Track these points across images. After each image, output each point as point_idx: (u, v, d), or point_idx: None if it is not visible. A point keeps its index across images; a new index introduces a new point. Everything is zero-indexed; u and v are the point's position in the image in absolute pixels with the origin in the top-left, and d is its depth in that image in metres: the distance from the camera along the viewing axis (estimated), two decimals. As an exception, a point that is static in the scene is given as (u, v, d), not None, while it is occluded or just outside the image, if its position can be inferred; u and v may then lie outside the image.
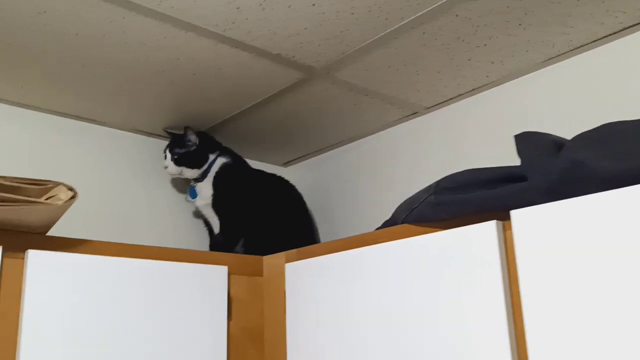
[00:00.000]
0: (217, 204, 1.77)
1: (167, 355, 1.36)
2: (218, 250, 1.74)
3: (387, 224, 1.36)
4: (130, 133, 1.84)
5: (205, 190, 1.77)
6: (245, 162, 1.86)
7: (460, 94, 1.64)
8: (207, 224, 1.86)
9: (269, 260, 1.59)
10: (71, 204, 1.19)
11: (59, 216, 1.22)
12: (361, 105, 1.69)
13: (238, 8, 1.22)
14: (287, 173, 2.10)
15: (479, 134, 1.64)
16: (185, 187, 1.89)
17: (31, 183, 1.16)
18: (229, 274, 1.51)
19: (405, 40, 1.35)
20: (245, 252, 1.70)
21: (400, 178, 1.81)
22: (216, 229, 1.82)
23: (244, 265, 1.56)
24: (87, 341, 1.25)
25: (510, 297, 1.05)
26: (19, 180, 1.15)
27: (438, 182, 1.16)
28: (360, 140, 1.94)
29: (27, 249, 1.22)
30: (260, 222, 1.77)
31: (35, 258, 1.22)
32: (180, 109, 1.70)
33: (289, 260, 1.52)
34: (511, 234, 1.07)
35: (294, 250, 1.53)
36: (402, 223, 1.26)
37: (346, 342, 1.32)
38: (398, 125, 1.82)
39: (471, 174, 1.13)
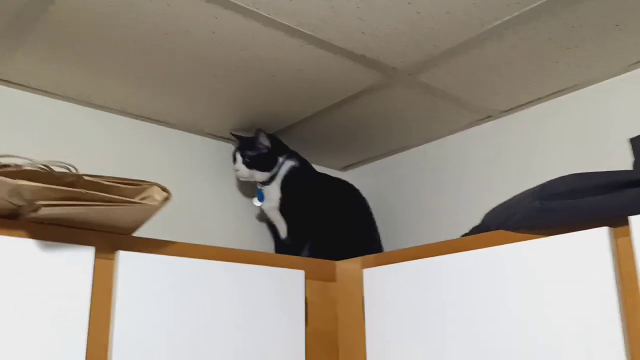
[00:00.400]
0: (285, 207, 1.75)
1: (248, 357, 1.33)
2: (285, 254, 1.71)
3: (476, 230, 1.33)
4: (197, 136, 1.83)
5: (273, 193, 1.75)
6: (311, 165, 1.84)
7: (539, 98, 1.61)
8: (272, 227, 1.84)
9: (342, 265, 1.56)
10: (165, 205, 1.17)
11: (151, 217, 1.20)
12: (435, 109, 1.66)
13: (333, 7, 1.20)
14: (346, 177, 2.07)
15: (555, 139, 1.60)
16: (252, 190, 1.87)
17: (127, 183, 1.15)
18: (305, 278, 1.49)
19: (496, 42, 1.33)
20: (311, 256, 1.67)
21: (468, 184, 1.78)
22: (282, 232, 1.80)
23: (318, 269, 1.54)
24: (174, 341, 1.23)
25: (624, 309, 1.02)
26: (115, 180, 1.13)
27: (542, 187, 1.13)
28: (426, 145, 1.91)
29: (117, 250, 1.21)
30: (327, 226, 1.75)
31: (126, 259, 1.21)
32: (250, 111, 1.69)
33: (366, 266, 1.49)
34: (624, 241, 1.03)
35: (371, 256, 1.50)
36: (497, 229, 1.23)
37: (430, 353, 1.29)
38: (469, 130, 1.79)
39: (579, 179, 1.10)
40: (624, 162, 1.43)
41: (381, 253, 1.49)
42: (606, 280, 1.03)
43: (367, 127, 1.79)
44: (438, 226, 1.84)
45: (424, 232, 1.87)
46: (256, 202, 1.79)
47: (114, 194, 1.11)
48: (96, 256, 1.18)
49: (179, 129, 1.78)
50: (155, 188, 1.18)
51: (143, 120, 1.72)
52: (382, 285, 1.43)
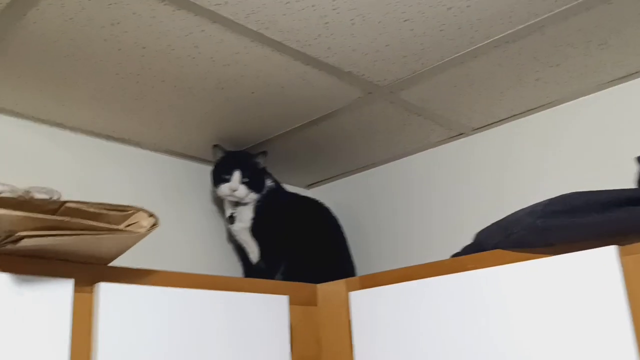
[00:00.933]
0: (257, 228, 1.68)
1: (235, 393, 1.26)
2: (256, 278, 1.64)
3: (469, 249, 1.31)
4: (162, 155, 1.73)
5: (246, 213, 1.68)
6: (281, 185, 1.78)
7: (514, 115, 1.62)
8: (241, 250, 1.76)
9: (324, 288, 1.51)
10: (151, 232, 1.09)
11: (133, 245, 1.11)
12: (409, 125, 1.64)
13: (327, 23, 1.16)
14: (310, 195, 2.02)
15: (526, 156, 1.62)
16: (213, 212, 1.79)
17: (112, 209, 1.05)
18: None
19: (483, 59, 1.32)
20: (285, 280, 1.61)
21: (438, 202, 1.77)
22: (252, 255, 1.72)
23: (299, 294, 1.48)
24: (162, 382, 1.14)
25: (636, 331, 1.01)
26: (101, 207, 1.04)
27: (545, 206, 1.12)
28: (394, 161, 1.89)
29: (97, 282, 1.11)
30: (301, 248, 1.69)
31: (107, 291, 1.11)
32: (222, 129, 1.61)
33: (352, 289, 1.44)
34: (631, 259, 1.03)
35: (356, 278, 1.46)
36: (494, 248, 1.21)
37: (426, 373, 1.26)
38: (439, 147, 1.78)
39: (581, 197, 1.10)
40: (600, 180, 1.45)
41: (367, 275, 1.44)
42: (616, 301, 1.03)
43: (337, 144, 1.75)
44: (409, 245, 1.82)
45: (395, 252, 1.84)
46: (227, 224, 1.71)
47: (99, 222, 1.02)
48: (75, 289, 1.08)
49: (146, 148, 1.69)
50: (142, 213, 1.09)
51: (107, 139, 1.62)
52: (370, 309, 1.39)
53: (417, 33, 1.21)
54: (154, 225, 1.09)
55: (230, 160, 1.66)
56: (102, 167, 1.60)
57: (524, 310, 1.13)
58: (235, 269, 1.80)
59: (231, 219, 1.68)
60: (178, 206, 1.73)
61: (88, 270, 1.11)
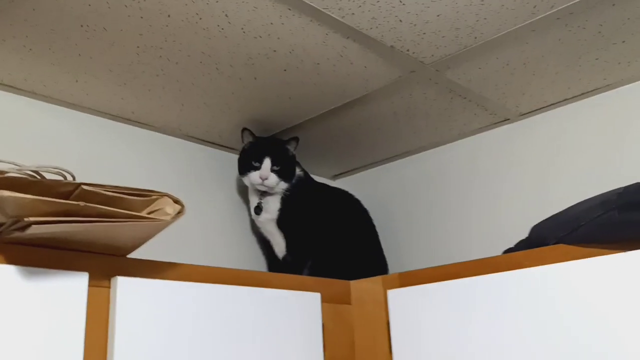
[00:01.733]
0: (285, 220, 1.55)
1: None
2: (282, 273, 1.52)
3: (524, 245, 1.18)
4: (183, 140, 1.61)
5: (273, 204, 1.55)
6: (310, 175, 1.66)
7: (566, 99, 1.48)
8: (265, 243, 1.64)
9: (358, 286, 1.38)
10: (177, 220, 0.97)
11: (156, 234, 0.99)
12: (451, 110, 1.51)
13: (374, -13, 1.03)
14: (336, 186, 1.89)
15: (580, 144, 1.48)
16: (238, 202, 1.67)
17: (133, 194, 0.93)
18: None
19: (542, 34, 1.19)
20: (312, 276, 1.49)
21: (479, 193, 1.64)
22: (277, 249, 1.60)
23: (332, 291, 1.35)
24: (186, 388, 1.02)
25: None
26: (119, 190, 0.92)
27: (618, 196, 0.99)
28: (429, 150, 1.76)
29: (113, 275, 0.99)
30: (330, 242, 1.57)
31: (124, 286, 0.99)
32: (248, 112, 1.49)
33: (390, 287, 1.32)
34: None
35: (394, 275, 1.33)
36: (557, 243, 1.08)
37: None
38: (482, 134, 1.65)
39: (664, 186, 0.97)
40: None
41: (406, 272, 1.31)
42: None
43: (370, 130, 1.62)
44: (446, 241, 1.68)
45: (430, 248, 1.71)
46: (253, 215, 1.58)
47: (119, 208, 0.89)
48: (90, 283, 0.96)
49: (166, 132, 1.57)
50: (166, 199, 0.97)
51: (124, 122, 1.50)
52: (412, 309, 1.26)
53: (474, 1, 1.08)
54: (179, 213, 0.96)
55: (261, 146, 1.54)
56: (118, 151, 1.48)
57: (593, 311, 1.00)
58: (259, 263, 1.68)
59: (257, 210, 1.56)
60: (198, 196, 1.61)
61: (104, 263, 0.99)
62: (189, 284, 1.09)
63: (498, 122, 1.60)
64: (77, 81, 1.30)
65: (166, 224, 0.95)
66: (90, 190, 0.88)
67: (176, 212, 0.96)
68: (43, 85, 1.31)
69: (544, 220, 1.17)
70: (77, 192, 0.87)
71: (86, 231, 0.87)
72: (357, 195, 1.71)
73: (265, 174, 1.49)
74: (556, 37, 1.20)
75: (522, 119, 1.58)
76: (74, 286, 0.94)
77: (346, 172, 1.92)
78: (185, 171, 1.60)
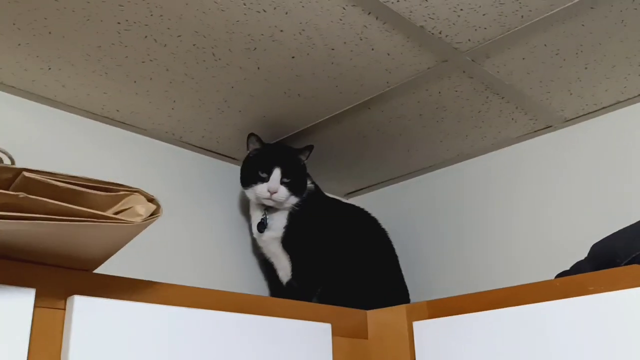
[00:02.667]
0: (292, 239, 1.34)
1: None
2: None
3: (585, 267, 0.96)
4: (173, 146, 1.40)
5: (278, 221, 1.34)
6: (321, 189, 1.45)
7: (619, 101, 1.27)
8: (268, 265, 1.42)
9: (378, 316, 1.16)
10: (151, 223, 0.76)
11: (129, 240, 0.78)
12: (485, 112, 1.31)
13: (403, -56, 0.83)
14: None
15: (631, 152, 1.27)
16: (237, 218, 1.46)
17: (95, 187, 0.72)
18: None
19: (603, 10, 0.99)
20: (321, 303, 1.26)
21: (517, 212, 1.42)
22: (281, 272, 1.38)
23: (346, 322, 1.13)
24: None
25: None
26: (77, 181, 0.71)
27: None
28: (457, 164, 1.54)
29: (70, 295, 0.78)
30: (343, 266, 1.35)
31: (83, 307, 0.78)
32: (249, 112, 1.29)
33: (416, 318, 1.10)
34: None
35: (421, 303, 1.11)
36: (631, 263, 0.86)
37: None
38: (521, 143, 1.43)
39: None
40: None
41: (435, 300, 1.09)
42: None
43: (390, 137, 1.41)
44: (479, 266, 1.45)
45: (459, 274, 1.48)
46: (256, 233, 1.37)
47: (75, 204, 0.69)
48: (37, 303, 0.75)
49: (154, 137, 1.37)
50: (138, 196, 0.76)
51: (105, 122, 1.30)
52: (442, 345, 1.04)
53: (523, -34, 0.88)
54: (154, 214, 0.75)
55: (269, 154, 1.33)
56: (100, 158, 1.28)
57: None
58: (260, 289, 1.46)
59: (261, 226, 1.34)
60: (192, 210, 1.40)
61: (58, 277, 0.78)
62: (170, 308, 0.87)
63: (538, 130, 1.38)
64: (49, 69, 1.11)
65: (137, 227, 0.74)
66: (36, 179, 0.67)
67: (149, 212, 0.75)
68: (11, 74, 1.12)
69: (609, 237, 0.95)
70: (17, 180, 0.66)
71: (30, 233, 0.67)
72: (375, 214, 1.49)
73: (274, 187, 1.28)
74: (619, 16, 1.00)
75: (566, 126, 1.36)
76: (15, 306, 0.73)
77: (362, 188, 1.70)
78: (178, 182, 1.40)
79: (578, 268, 0.97)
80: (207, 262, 1.39)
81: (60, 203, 0.67)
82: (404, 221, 1.61)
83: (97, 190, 0.72)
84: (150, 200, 0.76)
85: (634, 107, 1.28)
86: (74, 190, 0.70)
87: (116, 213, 0.73)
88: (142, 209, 0.74)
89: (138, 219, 0.73)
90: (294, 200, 1.32)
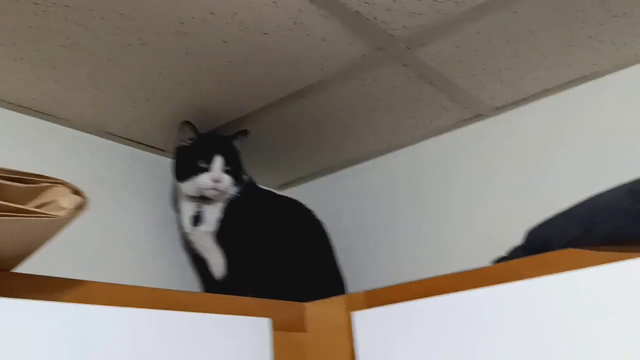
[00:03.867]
0: (225, 233, 1.29)
1: None
2: (222, 296, 1.25)
3: (521, 252, 0.97)
4: (94, 137, 1.33)
5: (211, 214, 1.29)
6: (254, 181, 1.41)
7: (546, 89, 1.30)
8: (200, 261, 1.37)
9: (316, 308, 1.14)
10: (77, 217, 0.70)
11: (51, 238, 0.72)
12: (418, 102, 1.30)
13: None
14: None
15: (563, 138, 1.30)
16: (165, 208, 1.40)
17: (12, 178, 0.66)
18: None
19: (533, 0, 1.00)
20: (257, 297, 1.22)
21: (450, 198, 1.43)
22: (215, 267, 1.34)
23: (283, 315, 1.10)
24: None
25: None
26: (-9, 171, 0.65)
27: (650, 183, 0.79)
28: (390, 153, 1.54)
29: (-14, 297, 0.71)
30: (279, 259, 1.32)
31: (5, 310, 0.71)
32: (175, 101, 1.23)
33: (354, 308, 1.08)
34: None
35: (359, 294, 1.09)
36: (566, 247, 0.87)
37: None
38: (452, 132, 1.44)
39: None
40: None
41: (374, 289, 1.08)
42: None
43: (323, 127, 1.39)
44: (415, 255, 1.45)
45: (394, 265, 1.48)
46: (188, 227, 1.31)
47: (-12, 196, 0.62)
48: (-51, 308, 0.68)
49: (74, 127, 1.28)
50: (61, 189, 0.70)
51: (23, 112, 1.21)
52: (382, 335, 1.02)
53: (461, -51, 0.87)
54: (80, 207, 0.70)
55: (206, 142, 1.29)
56: (15, 150, 1.19)
57: (615, 328, 0.79)
58: (192, 287, 1.41)
59: (196, 220, 1.29)
60: (114, 205, 1.33)
61: (-27, 278, 0.71)
62: (94, 308, 0.81)
63: (469, 118, 1.40)
64: (-43, 53, 1.02)
65: (61, 221, 0.68)
66: (-56, 169, 0.60)
67: (75, 205, 0.69)
68: None
69: (543, 222, 0.96)
70: None
71: None
72: (308, 206, 1.47)
73: (218, 176, 1.24)
74: (551, 4, 1.01)
75: (496, 114, 1.38)
76: None
77: (295, 180, 1.68)
78: (101, 175, 1.33)
79: (514, 254, 0.98)
80: (132, 260, 1.32)
81: (-28, 196, 0.61)
82: (338, 213, 1.59)
83: (15, 181, 0.66)
84: (76, 192, 0.70)
85: (561, 95, 1.31)
86: (-11, 181, 0.64)
87: (37, 207, 0.67)
88: (67, 201, 0.69)
89: (62, 213, 0.67)
90: (234, 189, 1.28)
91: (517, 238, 1.03)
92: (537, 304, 0.87)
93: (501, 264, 0.96)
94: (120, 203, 1.34)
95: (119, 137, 1.34)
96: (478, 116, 1.39)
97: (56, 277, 0.79)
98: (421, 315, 0.98)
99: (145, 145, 1.39)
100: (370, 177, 1.56)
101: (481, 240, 1.32)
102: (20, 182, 0.66)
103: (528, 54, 1.16)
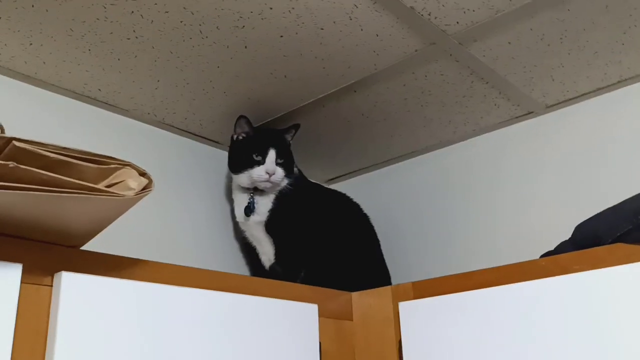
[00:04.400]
0: (276, 223, 1.33)
1: None
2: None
3: (569, 246, 0.97)
4: (154, 128, 1.38)
5: (263, 204, 1.33)
6: (303, 174, 1.44)
7: (599, 89, 1.29)
8: (250, 249, 1.41)
9: (363, 298, 1.16)
10: (143, 197, 0.74)
11: (119, 215, 0.77)
12: (470, 98, 1.32)
13: None
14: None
15: (610, 138, 1.29)
16: (219, 198, 1.45)
17: (85, 159, 0.71)
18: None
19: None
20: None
21: (500, 194, 1.43)
22: (264, 257, 1.38)
23: (330, 303, 1.13)
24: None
25: None
26: (67, 153, 0.69)
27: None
28: (438, 150, 1.55)
29: (57, 271, 0.76)
30: (327, 250, 1.35)
31: (71, 284, 0.76)
32: (233, 94, 1.28)
33: (401, 298, 1.10)
34: None
35: (407, 284, 1.12)
36: (616, 242, 0.88)
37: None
38: (503, 129, 1.44)
39: None
40: None
41: (423, 280, 1.10)
42: None
43: (373, 122, 1.41)
44: (462, 250, 1.46)
45: (444, 258, 1.49)
46: (241, 217, 1.36)
47: (66, 175, 0.67)
48: (24, 279, 0.73)
49: (136, 118, 1.34)
50: (129, 170, 0.75)
51: (89, 102, 1.27)
52: (429, 325, 1.04)
53: (516, -54, 0.89)
54: (146, 188, 0.74)
55: (261, 136, 1.33)
56: (80, 139, 1.25)
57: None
58: (241, 274, 1.45)
59: (248, 210, 1.33)
60: (171, 194, 1.38)
61: (46, 253, 0.76)
62: (158, 286, 0.86)
63: (520, 116, 1.40)
64: (31, 44, 1.08)
65: (128, 201, 0.73)
66: (26, 149, 0.65)
67: (142, 187, 0.73)
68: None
69: (592, 218, 0.97)
70: (7, 149, 0.65)
71: (16, 203, 0.65)
72: (357, 200, 1.49)
73: (271, 168, 1.28)
74: (603, 2, 1.01)
75: (548, 112, 1.38)
76: (2, 282, 0.71)
77: (343, 175, 1.70)
78: (159, 165, 1.38)
79: (562, 248, 0.99)
80: (187, 249, 1.37)
81: (52, 174, 0.65)
82: (385, 208, 1.61)
83: (89, 162, 0.71)
84: (142, 174, 0.75)
85: (612, 95, 1.30)
86: (65, 161, 0.68)
87: (108, 187, 0.72)
88: (134, 182, 0.73)
89: (130, 193, 0.72)
90: (286, 181, 1.32)
91: (566, 234, 1.03)
92: (588, 297, 0.87)
93: (550, 257, 0.96)
94: (174, 193, 1.38)
95: (177, 128, 1.39)
96: (529, 113, 1.39)
97: (123, 257, 0.84)
98: (468, 307, 1.00)
99: (202, 137, 1.44)
100: (420, 173, 1.57)
101: (530, 236, 1.32)
102: (93, 163, 0.71)
103: (580, 52, 1.16)
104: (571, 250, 0.95)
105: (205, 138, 1.45)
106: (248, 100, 1.30)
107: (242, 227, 1.39)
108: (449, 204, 1.50)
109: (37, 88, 1.20)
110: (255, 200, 1.33)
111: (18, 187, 0.63)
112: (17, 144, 0.65)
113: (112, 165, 0.73)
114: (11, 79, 1.17)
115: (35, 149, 0.66)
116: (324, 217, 1.39)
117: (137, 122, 1.35)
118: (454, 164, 1.51)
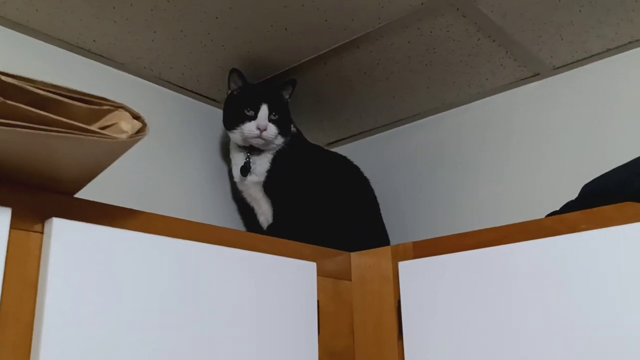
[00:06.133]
0: (274, 183, 1.30)
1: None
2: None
3: (576, 206, 0.95)
4: (150, 83, 1.34)
5: (261, 164, 1.30)
6: (302, 134, 1.41)
7: (609, 49, 1.26)
8: (247, 210, 1.39)
9: (361, 258, 1.14)
10: (136, 141, 0.71)
11: (112, 161, 0.74)
12: (475, 57, 1.28)
13: None
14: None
15: (619, 100, 1.26)
16: (217, 158, 1.42)
17: (77, 98, 0.68)
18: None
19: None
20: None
21: (505, 157, 1.40)
22: (262, 217, 1.35)
23: (330, 263, 1.11)
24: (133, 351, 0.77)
25: None
26: (58, 90, 0.66)
27: None
28: (442, 113, 1.52)
29: (49, 217, 0.73)
30: (325, 211, 1.32)
31: (63, 231, 0.73)
32: (231, 48, 1.24)
33: (401, 258, 1.08)
34: None
35: (407, 244, 1.09)
36: (628, 200, 0.85)
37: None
38: (508, 91, 1.41)
39: None
40: None
41: (422, 240, 1.07)
42: None
43: (375, 81, 1.37)
44: (464, 216, 1.44)
45: (446, 219, 1.46)
46: (237, 177, 1.33)
47: (55, 113, 0.64)
48: (13, 224, 0.70)
49: (131, 72, 1.30)
50: (122, 113, 0.71)
51: (82, 54, 1.23)
52: (429, 286, 1.02)
53: None
54: (140, 132, 0.71)
55: (254, 90, 1.29)
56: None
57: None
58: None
59: (244, 170, 1.30)
60: (164, 151, 1.35)
61: (37, 198, 0.74)
62: (153, 237, 0.83)
63: (527, 78, 1.36)
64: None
65: (122, 144, 0.70)
66: (13, 84, 0.62)
67: (135, 130, 0.70)
68: (-20, -6, 1.05)
69: (600, 177, 0.94)
70: (-5, 84, 0.61)
71: (3, 142, 0.62)
72: (358, 163, 1.46)
73: (263, 124, 1.24)
74: (622, -47, 0.97)
75: (555, 74, 1.34)
76: (-12, 225, 0.68)
77: (344, 138, 1.67)
78: (154, 123, 1.34)
79: (568, 208, 0.96)
80: (182, 208, 1.34)
81: (41, 112, 0.62)
82: (386, 172, 1.58)
83: (80, 102, 0.67)
84: (136, 117, 0.72)
85: (622, 56, 1.27)
86: (55, 99, 0.65)
87: (101, 128, 0.69)
88: (127, 125, 0.70)
89: (123, 136, 0.68)
90: (280, 140, 1.29)
91: (573, 196, 1.01)
92: (595, 256, 0.85)
93: (555, 217, 0.94)
94: (172, 151, 1.35)
95: (174, 85, 1.36)
96: (535, 75, 1.35)
97: (117, 206, 0.81)
98: (469, 267, 0.98)
99: (199, 94, 1.41)
100: (422, 136, 1.54)
101: (537, 199, 1.30)
102: (85, 103, 0.68)
103: (591, 9, 1.12)
104: (575, 210, 0.92)
105: (202, 96, 1.41)
106: (247, 55, 1.26)
107: (240, 187, 1.36)
108: (453, 168, 1.47)
109: (28, 37, 1.16)
110: (252, 161, 1.30)
111: (5, 123, 0.60)
112: (3, 78, 0.61)
113: (105, 107, 0.69)
114: (1, 27, 1.13)
115: (24, 85, 0.63)
116: (322, 179, 1.36)
117: (133, 77, 1.32)
118: (457, 127, 1.48)
